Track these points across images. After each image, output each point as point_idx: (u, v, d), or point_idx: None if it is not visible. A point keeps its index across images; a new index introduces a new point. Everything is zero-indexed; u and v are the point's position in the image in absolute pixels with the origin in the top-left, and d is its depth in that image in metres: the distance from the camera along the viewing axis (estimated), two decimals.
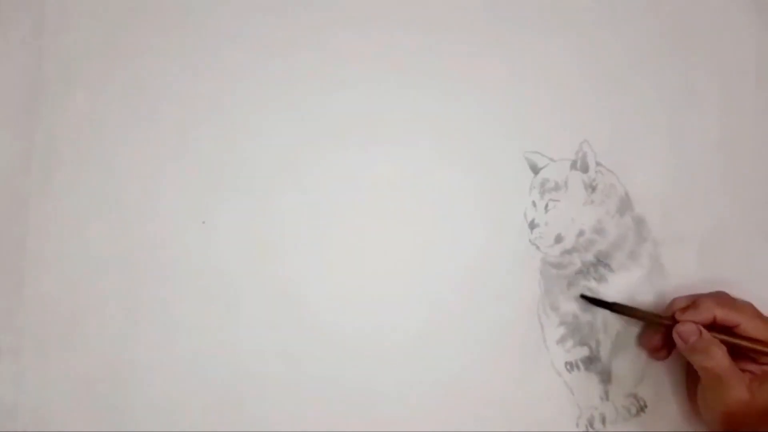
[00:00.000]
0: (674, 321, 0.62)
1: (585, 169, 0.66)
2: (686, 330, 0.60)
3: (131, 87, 0.64)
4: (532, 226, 0.66)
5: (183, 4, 0.64)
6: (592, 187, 0.66)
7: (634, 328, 0.67)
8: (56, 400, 0.62)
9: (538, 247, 0.66)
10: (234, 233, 0.64)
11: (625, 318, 0.66)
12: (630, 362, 0.67)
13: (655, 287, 0.67)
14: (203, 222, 0.64)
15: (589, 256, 0.67)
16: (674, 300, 0.64)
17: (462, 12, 0.66)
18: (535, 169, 0.66)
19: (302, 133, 0.65)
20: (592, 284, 0.67)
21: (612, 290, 0.67)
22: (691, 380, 0.65)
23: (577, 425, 0.66)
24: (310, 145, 0.65)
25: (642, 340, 0.66)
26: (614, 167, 0.67)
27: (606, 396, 0.66)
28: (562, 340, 0.66)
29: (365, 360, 0.64)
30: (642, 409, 0.66)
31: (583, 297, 0.66)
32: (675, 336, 0.61)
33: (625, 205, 0.67)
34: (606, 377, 0.66)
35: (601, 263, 0.67)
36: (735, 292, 0.64)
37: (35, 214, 0.63)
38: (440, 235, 0.65)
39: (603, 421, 0.66)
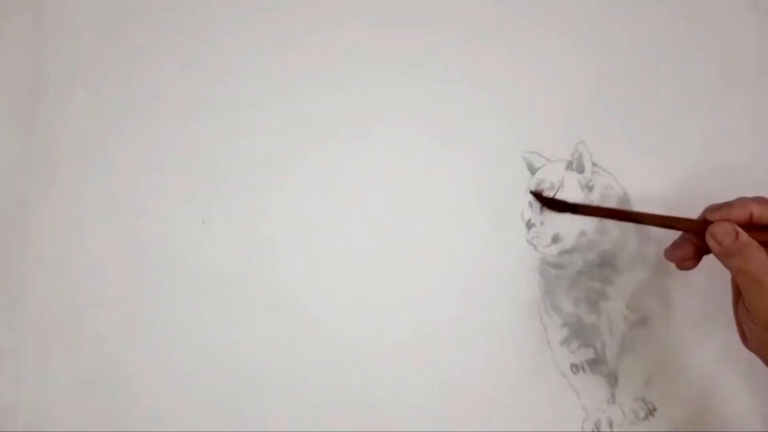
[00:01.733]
0: (705, 223, 0.55)
1: (581, 170, 0.66)
2: (721, 231, 0.53)
3: (131, 86, 0.64)
4: (529, 225, 0.66)
5: (182, 3, 0.65)
6: (588, 188, 0.66)
7: (639, 330, 0.66)
8: (56, 400, 0.62)
9: (535, 247, 0.66)
10: (233, 233, 0.64)
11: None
12: (637, 365, 0.66)
13: (659, 288, 0.66)
14: (203, 222, 0.64)
15: (593, 256, 0.66)
16: (705, 210, 0.58)
17: (461, 12, 0.66)
18: (533, 170, 0.66)
19: (302, 133, 0.65)
20: (597, 285, 0.66)
21: (618, 292, 0.66)
22: (735, 294, 0.57)
23: (583, 428, 0.65)
24: (309, 145, 0.65)
25: (668, 251, 0.60)
26: (611, 167, 0.66)
27: (613, 399, 0.66)
28: (566, 342, 0.66)
29: (365, 361, 0.64)
30: (651, 413, 0.66)
31: (533, 194, 0.65)
32: (708, 238, 0.54)
33: (624, 205, 0.66)
34: (612, 380, 0.66)
35: (606, 264, 0.66)
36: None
37: (35, 214, 0.63)
38: (438, 235, 0.65)
39: (610, 424, 0.66)
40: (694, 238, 0.57)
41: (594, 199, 0.66)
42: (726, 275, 0.57)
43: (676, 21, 0.68)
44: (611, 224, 0.66)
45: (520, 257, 0.66)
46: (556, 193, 0.65)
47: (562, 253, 0.66)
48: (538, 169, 0.66)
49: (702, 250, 0.57)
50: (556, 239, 0.66)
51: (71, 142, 0.63)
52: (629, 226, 0.66)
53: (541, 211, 0.66)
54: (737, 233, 0.53)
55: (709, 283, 0.66)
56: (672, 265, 0.64)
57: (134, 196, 0.64)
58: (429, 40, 0.66)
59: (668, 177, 0.67)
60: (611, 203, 0.66)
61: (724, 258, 0.54)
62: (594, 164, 0.66)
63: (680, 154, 0.67)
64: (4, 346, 0.62)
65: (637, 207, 0.67)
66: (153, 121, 0.64)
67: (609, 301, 0.66)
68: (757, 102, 0.68)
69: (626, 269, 0.66)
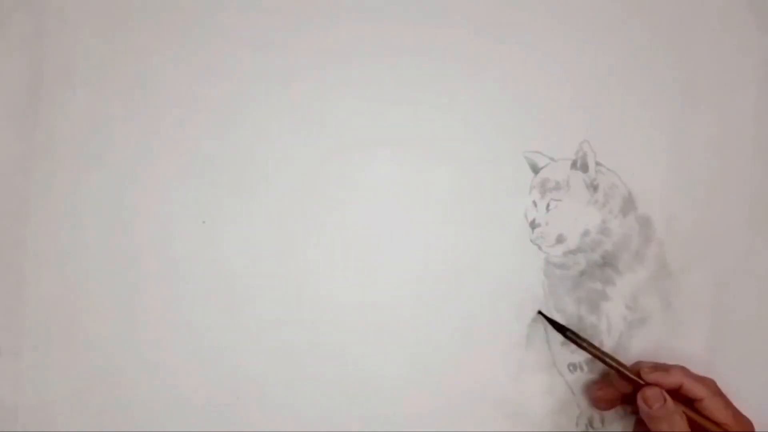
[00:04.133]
0: (639, 377, 0.61)
1: (585, 169, 0.66)
2: (653, 395, 0.59)
3: (131, 87, 0.64)
4: (533, 225, 0.66)
5: (183, 4, 0.64)
6: (593, 187, 0.66)
7: (637, 330, 0.66)
8: (56, 400, 0.62)
9: (539, 247, 0.66)
10: (234, 233, 0.64)
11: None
12: (631, 363, 0.66)
13: (660, 289, 0.66)
14: (203, 222, 0.64)
15: (596, 257, 0.66)
16: (639, 363, 0.63)
17: (463, 9, 0.66)
18: (536, 169, 0.66)
19: (302, 132, 0.64)
20: (598, 286, 0.66)
21: (618, 292, 0.66)
22: None
23: (577, 425, 0.66)
24: (310, 144, 0.65)
25: (593, 388, 0.65)
26: (615, 167, 0.66)
27: None
28: (567, 342, 0.65)
29: (365, 360, 0.64)
30: None
31: (540, 314, 0.65)
32: (639, 399, 0.60)
33: (628, 205, 0.66)
34: None
35: (607, 264, 0.66)
36: (736, 292, 0.65)
37: (35, 213, 0.63)
38: (440, 236, 0.65)
39: (602, 421, 0.66)
40: (623, 387, 0.62)
41: (599, 199, 0.66)
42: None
43: (678, 21, 0.68)
44: (614, 224, 0.66)
45: (523, 257, 0.66)
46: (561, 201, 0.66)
47: (566, 253, 0.66)
48: (541, 168, 0.66)
49: (626, 399, 0.63)
50: (560, 239, 0.66)
51: (71, 142, 0.63)
52: (631, 226, 0.66)
53: (548, 210, 0.66)
54: (665, 399, 0.59)
55: (705, 284, 0.67)
56: (672, 266, 0.65)
57: (134, 196, 0.63)
58: (430, 36, 0.65)
59: (672, 176, 0.67)
60: (616, 202, 0.66)
61: (649, 419, 0.59)
62: (598, 163, 0.66)
63: (684, 154, 0.67)
64: (4, 346, 0.62)
65: (642, 206, 0.67)
66: (153, 121, 0.64)
67: (609, 301, 0.66)
68: (759, 101, 0.68)
69: (627, 270, 0.66)
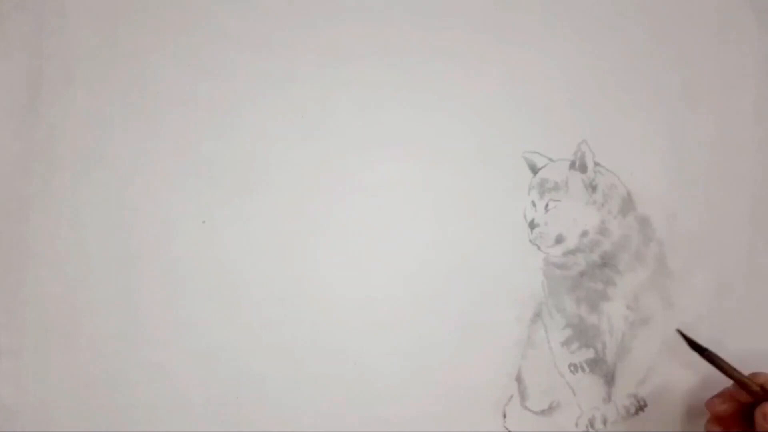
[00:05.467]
0: (764, 392, 0.59)
1: (583, 170, 0.66)
2: None
3: (131, 87, 0.64)
4: (532, 226, 0.66)
5: (183, 4, 0.64)
6: (592, 187, 0.66)
7: (639, 330, 0.66)
8: (56, 400, 0.62)
9: (538, 247, 0.66)
10: (234, 233, 0.64)
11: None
12: (634, 364, 0.66)
13: (660, 289, 0.67)
14: (203, 222, 0.64)
15: (594, 257, 0.66)
16: (758, 374, 0.61)
17: (462, 11, 0.66)
18: (534, 169, 0.66)
19: (302, 132, 0.65)
20: (599, 287, 0.66)
21: (619, 292, 0.66)
22: None
23: (577, 425, 0.66)
24: (310, 144, 0.65)
25: (712, 402, 0.62)
26: (614, 167, 0.67)
27: (609, 397, 0.66)
28: (567, 342, 0.66)
29: (365, 359, 0.64)
30: (641, 408, 0.66)
31: (679, 332, 0.65)
32: (759, 414, 0.58)
33: (627, 205, 0.66)
34: (610, 379, 0.66)
35: (607, 265, 0.66)
36: (738, 291, 0.66)
37: (35, 214, 0.63)
38: (439, 235, 0.65)
39: (604, 421, 0.66)
40: (743, 397, 0.60)
41: (597, 199, 0.66)
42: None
43: (677, 21, 0.68)
44: (613, 224, 0.66)
45: (523, 257, 0.66)
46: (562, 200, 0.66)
47: (566, 253, 0.66)
48: (540, 168, 0.66)
49: (744, 411, 0.60)
50: (559, 239, 0.66)
51: (71, 142, 0.63)
52: (631, 226, 0.67)
53: (547, 210, 0.66)
54: None
55: (704, 284, 0.67)
56: (673, 266, 0.66)
57: (134, 196, 0.64)
58: (430, 36, 0.66)
59: (672, 176, 0.67)
60: (615, 203, 0.66)
61: None
62: (596, 164, 0.66)
63: (684, 154, 0.67)
64: (4, 346, 0.62)
65: (641, 206, 0.67)
66: (153, 121, 0.64)
67: (610, 301, 0.66)
68: (758, 101, 0.68)
69: (628, 270, 0.66)
